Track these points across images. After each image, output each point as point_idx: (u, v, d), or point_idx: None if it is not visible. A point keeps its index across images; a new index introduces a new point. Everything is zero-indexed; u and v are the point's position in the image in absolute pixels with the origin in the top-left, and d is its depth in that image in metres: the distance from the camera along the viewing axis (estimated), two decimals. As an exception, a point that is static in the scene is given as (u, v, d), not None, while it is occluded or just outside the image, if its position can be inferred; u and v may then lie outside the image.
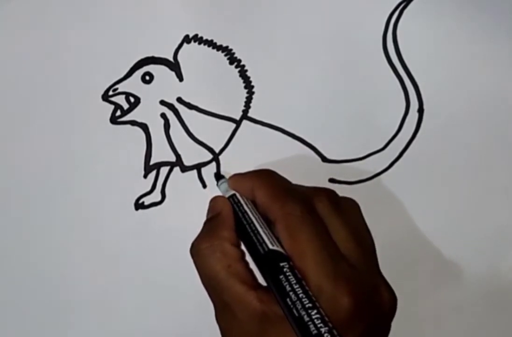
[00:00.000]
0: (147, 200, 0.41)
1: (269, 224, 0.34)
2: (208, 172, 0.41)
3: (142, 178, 0.41)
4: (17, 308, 0.42)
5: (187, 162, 0.41)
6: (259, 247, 0.32)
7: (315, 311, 0.29)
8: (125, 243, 0.41)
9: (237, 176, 0.37)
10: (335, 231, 0.33)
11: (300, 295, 0.29)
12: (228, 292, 0.32)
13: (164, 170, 0.41)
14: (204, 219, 0.37)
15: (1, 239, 0.42)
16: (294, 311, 0.29)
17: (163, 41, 0.40)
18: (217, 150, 0.41)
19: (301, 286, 0.30)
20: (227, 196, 0.36)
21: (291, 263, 0.31)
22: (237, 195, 0.36)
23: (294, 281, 0.30)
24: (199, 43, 0.40)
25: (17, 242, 0.41)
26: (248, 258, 0.34)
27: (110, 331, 0.42)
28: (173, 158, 0.41)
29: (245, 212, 0.34)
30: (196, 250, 0.34)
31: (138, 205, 0.41)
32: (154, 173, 0.41)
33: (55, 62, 0.40)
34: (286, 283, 0.30)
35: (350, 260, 0.32)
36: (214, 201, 0.36)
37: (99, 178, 0.41)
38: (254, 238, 0.33)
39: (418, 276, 0.41)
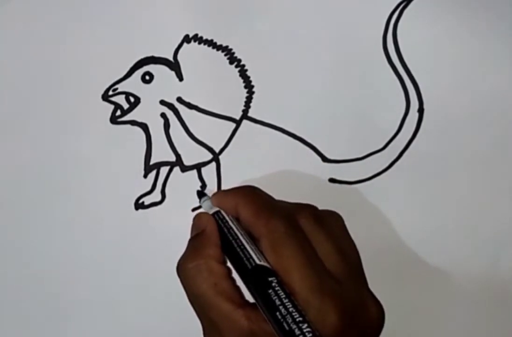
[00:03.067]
0: (147, 200, 0.41)
1: (253, 240, 0.34)
2: (208, 172, 0.41)
3: (142, 178, 0.41)
4: (17, 308, 0.42)
5: (187, 162, 0.41)
6: (246, 262, 0.32)
7: (305, 325, 0.29)
8: (125, 243, 0.41)
9: (220, 193, 0.37)
10: (319, 246, 0.33)
11: (290, 309, 0.29)
12: (215, 311, 0.32)
13: (164, 170, 0.41)
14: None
15: (0, 239, 0.42)
16: (285, 325, 0.29)
17: (163, 41, 0.40)
18: (217, 150, 0.41)
19: (291, 300, 0.30)
20: (211, 212, 0.36)
21: (278, 278, 0.31)
22: (222, 211, 0.35)
23: (284, 296, 0.30)
24: (199, 43, 0.40)
25: (17, 242, 0.41)
26: (234, 275, 0.34)
27: (110, 331, 0.42)
28: (173, 158, 0.41)
29: (231, 228, 0.34)
30: (182, 270, 0.34)
31: (138, 205, 0.41)
32: (154, 172, 0.41)
33: (55, 62, 0.40)
34: (276, 297, 0.30)
35: (336, 275, 0.32)
36: (198, 217, 0.36)
37: (99, 178, 0.41)
38: (240, 253, 0.32)
39: (417, 275, 0.41)
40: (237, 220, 0.35)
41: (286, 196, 0.40)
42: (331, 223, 0.35)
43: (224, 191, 0.37)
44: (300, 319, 0.29)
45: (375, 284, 0.39)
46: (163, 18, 0.40)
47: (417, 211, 0.41)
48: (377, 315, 0.32)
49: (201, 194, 0.39)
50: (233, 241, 0.33)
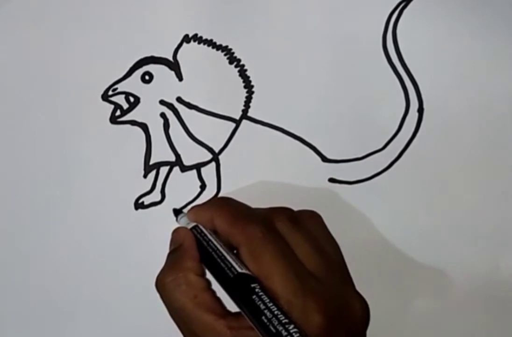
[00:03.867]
0: (147, 200, 0.41)
1: (233, 250, 0.34)
2: (208, 172, 0.41)
3: (142, 178, 0.41)
4: (17, 308, 0.42)
5: (186, 162, 0.41)
6: (228, 272, 0.32)
7: (292, 326, 0.29)
8: (125, 243, 0.41)
9: (194, 208, 0.37)
10: (297, 248, 0.33)
11: (275, 312, 0.30)
12: (197, 323, 0.32)
13: (164, 170, 0.41)
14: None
15: (0, 239, 0.42)
16: (271, 327, 0.29)
17: (163, 41, 0.40)
18: (216, 150, 0.41)
19: (275, 304, 0.30)
20: (189, 227, 0.36)
21: (261, 284, 0.31)
22: (199, 225, 0.36)
23: (268, 300, 0.30)
24: (199, 43, 0.40)
25: (17, 242, 0.42)
26: (213, 286, 0.34)
27: (109, 331, 0.42)
28: (173, 158, 0.41)
29: (210, 240, 0.35)
30: (161, 284, 0.34)
31: (138, 205, 0.41)
32: (154, 172, 0.41)
33: (55, 62, 0.40)
34: (260, 302, 0.30)
35: (316, 274, 0.32)
36: (176, 232, 0.37)
37: (99, 178, 0.41)
38: (221, 263, 0.33)
39: (418, 275, 0.41)
40: (215, 232, 0.35)
41: (285, 196, 0.41)
42: (308, 223, 0.35)
43: (198, 205, 0.38)
44: (286, 320, 0.29)
45: (373, 285, 0.39)
46: (163, 18, 0.40)
47: (417, 210, 0.41)
48: (361, 312, 0.33)
49: (177, 212, 0.40)
50: (213, 253, 0.34)
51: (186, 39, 0.40)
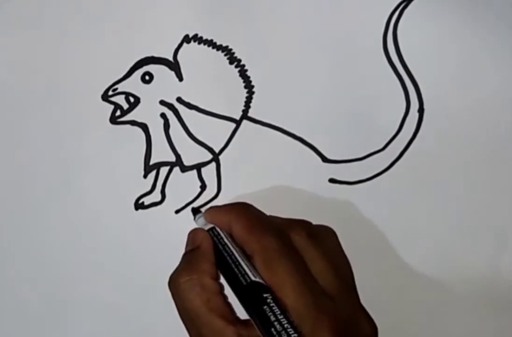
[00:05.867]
0: (147, 200, 0.41)
1: (247, 256, 0.34)
2: (208, 172, 0.41)
3: (142, 178, 0.41)
4: (16, 308, 0.42)
5: (187, 162, 0.41)
6: (241, 279, 0.32)
7: None
8: (125, 243, 0.41)
9: (213, 209, 0.37)
10: (312, 263, 0.33)
11: (286, 325, 0.30)
12: (207, 327, 0.32)
13: (164, 170, 0.41)
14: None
15: (0, 238, 0.42)
16: None
17: (163, 41, 0.40)
18: (217, 150, 0.41)
19: (286, 317, 0.30)
20: (206, 228, 0.36)
21: (273, 294, 0.31)
22: (217, 228, 0.36)
23: (279, 312, 0.30)
24: (199, 43, 0.40)
25: (17, 242, 0.42)
26: (225, 291, 0.34)
27: (109, 331, 0.42)
28: (173, 158, 0.41)
29: (226, 244, 0.35)
30: (174, 284, 0.34)
31: (138, 205, 0.41)
32: (154, 173, 0.41)
33: (55, 62, 0.40)
34: (271, 313, 0.30)
35: (329, 291, 0.32)
36: (193, 233, 0.37)
37: (99, 178, 0.41)
38: (235, 269, 0.33)
39: (417, 275, 0.41)
40: (230, 236, 0.35)
41: (286, 196, 0.41)
42: (324, 239, 0.35)
43: (217, 206, 0.38)
44: (295, 335, 0.29)
45: (373, 284, 0.39)
46: (163, 18, 0.40)
47: (417, 211, 0.41)
48: (370, 332, 0.33)
49: (195, 211, 0.40)
50: (228, 257, 0.34)
51: (186, 39, 0.40)
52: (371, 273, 0.40)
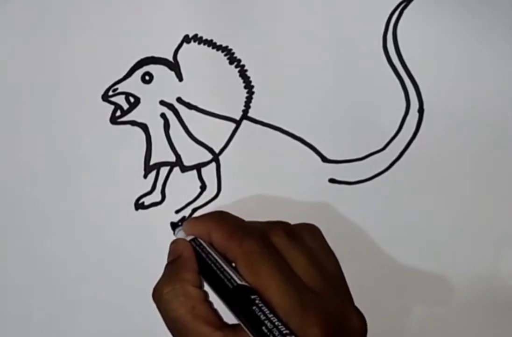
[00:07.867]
0: (147, 200, 0.41)
1: (230, 263, 0.34)
2: (208, 172, 0.41)
3: (142, 178, 0.41)
4: (17, 308, 0.42)
5: (187, 162, 0.41)
6: (228, 283, 0.32)
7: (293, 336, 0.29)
8: (125, 243, 0.41)
9: (190, 221, 0.37)
10: (294, 262, 0.33)
11: (276, 323, 0.30)
12: (194, 334, 0.32)
13: (164, 170, 0.41)
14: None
15: (1, 238, 0.42)
16: None
17: (163, 41, 0.40)
18: (217, 151, 0.41)
19: (276, 315, 0.30)
20: (188, 239, 0.36)
21: (260, 296, 0.32)
22: (198, 238, 0.36)
23: (268, 311, 0.31)
24: (199, 43, 0.40)
25: (17, 242, 0.42)
26: (210, 298, 0.34)
27: (109, 331, 0.42)
28: (173, 158, 0.41)
29: (209, 252, 0.35)
30: (158, 295, 0.34)
31: (138, 205, 0.41)
32: (154, 173, 0.41)
33: (55, 62, 0.40)
34: (260, 313, 0.30)
35: (314, 288, 0.32)
36: (175, 243, 0.37)
37: (99, 178, 0.41)
38: (221, 275, 0.33)
39: (417, 276, 0.41)
40: (211, 245, 0.36)
41: (285, 196, 0.41)
42: (305, 237, 0.35)
43: (195, 218, 0.38)
44: (287, 331, 0.30)
45: (373, 284, 0.39)
46: (163, 18, 0.40)
47: (418, 211, 0.41)
48: (359, 326, 0.33)
49: (174, 225, 0.40)
50: (212, 265, 0.34)
51: (186, 39, 0.40)
52: (371, 273, 0.40)
